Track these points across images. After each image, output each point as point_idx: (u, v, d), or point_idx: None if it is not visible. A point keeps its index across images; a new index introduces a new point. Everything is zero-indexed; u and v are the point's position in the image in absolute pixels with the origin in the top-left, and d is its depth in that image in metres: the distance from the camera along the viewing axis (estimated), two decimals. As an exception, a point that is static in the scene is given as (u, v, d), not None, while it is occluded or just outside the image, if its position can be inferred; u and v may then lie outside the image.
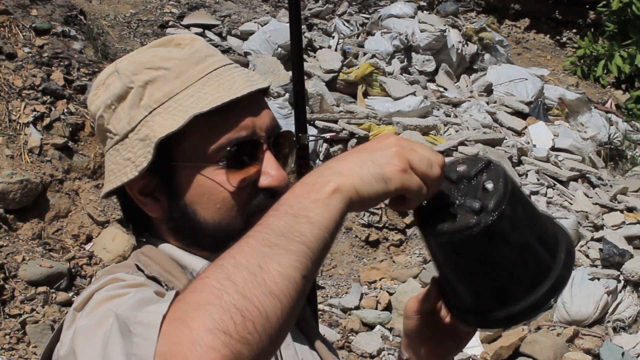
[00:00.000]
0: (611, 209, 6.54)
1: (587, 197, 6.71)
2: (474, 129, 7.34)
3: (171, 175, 1.15)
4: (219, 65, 1.16)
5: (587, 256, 6.08)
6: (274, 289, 0.84)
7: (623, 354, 5.31)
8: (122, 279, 1.06)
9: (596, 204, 6.58)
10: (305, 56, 7.92)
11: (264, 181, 1.14)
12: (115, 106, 1.15)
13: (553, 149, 7.54)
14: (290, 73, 7.29)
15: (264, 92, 1.21)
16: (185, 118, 1.09)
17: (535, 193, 6.57)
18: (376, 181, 0.91)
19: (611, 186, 7.15)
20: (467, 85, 8.72)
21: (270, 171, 1.14)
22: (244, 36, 8.12)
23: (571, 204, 6.58)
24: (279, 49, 7.62)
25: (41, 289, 4.71)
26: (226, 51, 7.64)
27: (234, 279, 0.84)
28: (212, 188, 1.13)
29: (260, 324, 0.82)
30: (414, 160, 0.93)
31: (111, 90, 1.16)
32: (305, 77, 7.43)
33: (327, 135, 6.66)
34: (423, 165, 0.93)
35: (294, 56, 1.64)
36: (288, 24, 7.48)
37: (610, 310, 5.78)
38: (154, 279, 1.12)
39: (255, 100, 1.16)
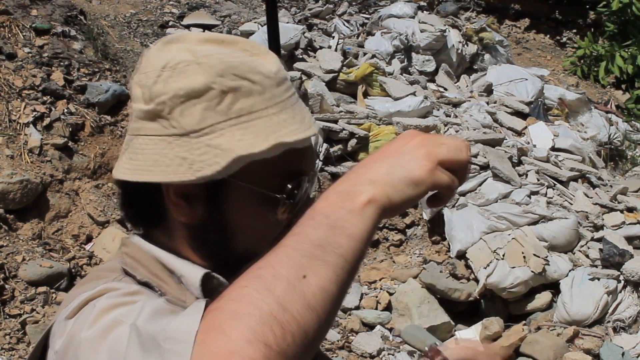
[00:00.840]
0: (611, 209, 6.54)
1: (587, 197, 6.70)
2: (474, 129, 7.34)
3: (221, 189, 1.09)
4: (292, 91, 1.12)
5: (587, 256, 6.08)
6: (313, 302, 0.84)
7: (623, 354, 5.31)
8: (116, 287, 1.02)
9: (596, 204, 6.58)
10: (305, 56, 7.92)
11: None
12: (186, 99, 1.07)
13: (553, 149, 7.54)
14: (290, 73, 7.28)
15: None
16: (269, 142, 1.04)
17: (535, 193, 6.57)
18: (407, 186, 0.93)
19: (611, 186, 7.15)
20: (467, 85, 8.72)
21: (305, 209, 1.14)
22: (244, 36, 8.10)
23: (571, 204, 6.58)
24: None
25: (41, 289, 4.71)
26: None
27: (274, 290, 0.83)
28: (261, 217, 1.10)
29: (300, 337, 0.82)
30: (443, 154, 0.94)
31: (188, 81, 1.06)
32: (305, 77, 7.43)
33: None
34: (452, 154, 0.95)
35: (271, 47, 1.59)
36: (288, 24, 7.44)
37: (610, 311, 5.78)
38: (146, 284, 1.08)
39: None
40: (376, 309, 5.88)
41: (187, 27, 8.27)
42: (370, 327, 5.73)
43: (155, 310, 0.93)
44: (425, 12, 9.27)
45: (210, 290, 1.09)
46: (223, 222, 1.11)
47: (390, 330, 5.74)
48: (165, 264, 1.12)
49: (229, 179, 1.07)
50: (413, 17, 8.88)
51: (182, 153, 1.06)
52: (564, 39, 11.93)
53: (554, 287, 5.93)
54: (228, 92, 1.07)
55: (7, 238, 4.96)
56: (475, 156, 6.69)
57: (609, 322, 5.75)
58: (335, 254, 0.87)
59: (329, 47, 8.19)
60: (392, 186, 0.92)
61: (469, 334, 5.65)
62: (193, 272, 1.10)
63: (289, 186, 1.09)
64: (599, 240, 6.13)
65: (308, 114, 1.13)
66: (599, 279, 5.80)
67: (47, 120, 5.67)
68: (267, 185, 1.09)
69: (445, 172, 0.94)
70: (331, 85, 7.57)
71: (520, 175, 6.74)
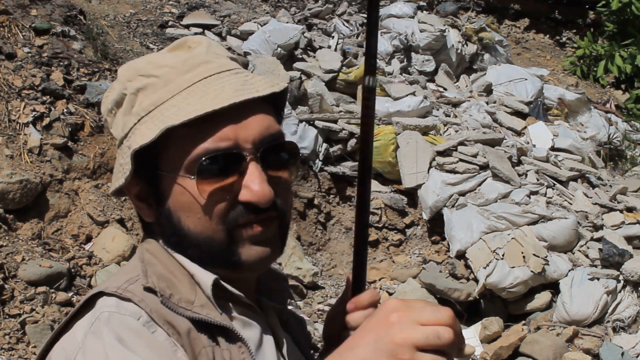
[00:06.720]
0: (611, 209, 6.54)
1: (587, 197, 6.71)
2: (474, 129, 7.34)
3: (156, 182, 1.14)
4: (212, 72, 1.13)
5: (586, 256, 6.08)
6: None
7: (623, 354, 5.31)
8: (117, 323, 1.05)
9: (596, 204, 6.58)
10: (304, 56, 7.91)
11: (243, 195, 1.11)
12: (115, 111, 1.18)
13: (553, 149, 7.54)
14: (290, 73, 7.28)
15: (271, 98, 1.16)
16: (158, 129, 1.08)
17: (535, 193, 6.57)
18: None
19: (611, 186, 7.15)
20: (466, 85, 8.72)
21: (251, 185, 1.10)
22: (244, 36, 8.11)
23: (571, 204, 6.58)
24: (279, 49, 7.61)
25: (41, 289, 4.71)
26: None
27: None
28: (189, 198, 1.12)
29: None
30: (419, 341, 0.91)
31: (112, 95, 1.18)
32: (305, 77, 7.43)
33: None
34: (431, 340, 0.91)
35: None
36: (288, 24, 7.41)
37: (609, 310, 5.78)
38: (149, 289, 1.10)
39: (247, 110, 1.11)
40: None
41: (187, 27, 8.26)
42: (369, 327, 5.72)
43: None
44: (424, 12, 9.27)
45: (219, 294, 1.15)
46: (169, 212, 1.15)
47: (390, 330, 5.73)
48: (181, 263, 1.17)
49: (157, 172, 1.13)
50: (412, 17, 8.88)
51: (121, 159, 1.16)
52: (564, 39, 11.94)
53: (554, 287, 5.93)
54: (138, 92, 1.14)
55: (7, 238, 4.96)
56: (475, 156, 6.70)
57: (608, 322, 5.75)
58: None
59: (329, 47, 8.19)
60: None
61: (469, 334, 5.65)
62: (205, 275, 1.15)
63: (202, 161, 1.09)
64: (599, 240, 6.13)
65: (231, 87, 1.10)
66: (598, 279, 5.80)
67: (46, 120, 5.67)
68: (190, 169, 1.11)
69: (426, 356, 0.91)
70: (331, 85, 7.57)
71: (519, 175, 6.74)
